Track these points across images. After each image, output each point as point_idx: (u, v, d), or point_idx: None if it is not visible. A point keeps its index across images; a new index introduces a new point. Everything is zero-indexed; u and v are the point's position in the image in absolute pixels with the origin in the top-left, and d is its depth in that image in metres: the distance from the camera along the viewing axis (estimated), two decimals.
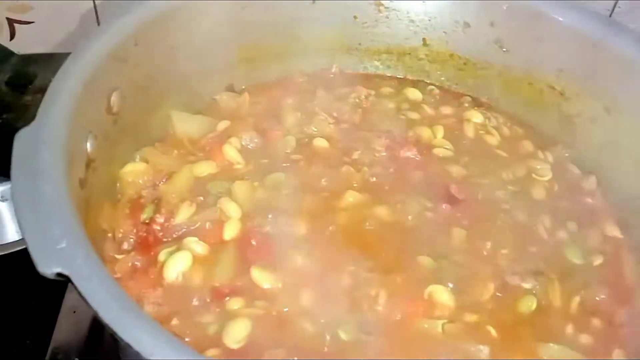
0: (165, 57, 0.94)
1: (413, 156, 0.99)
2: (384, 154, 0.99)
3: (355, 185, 0.92)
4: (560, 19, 1.00)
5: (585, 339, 0.80)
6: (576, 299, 0.83)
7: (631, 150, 0.94)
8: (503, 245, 0.87)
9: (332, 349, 0.72)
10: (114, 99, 0.84)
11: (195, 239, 0.81)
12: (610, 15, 1.19)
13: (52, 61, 0.97)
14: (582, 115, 1.02)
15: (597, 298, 0.84)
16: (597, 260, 0.88)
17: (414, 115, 1.08)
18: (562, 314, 0.82)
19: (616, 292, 0.85)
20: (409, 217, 0.89)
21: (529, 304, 0.81)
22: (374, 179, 0.95)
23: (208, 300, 0.75)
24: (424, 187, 0.94)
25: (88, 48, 0.79)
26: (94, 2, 1.08)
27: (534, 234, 0.90)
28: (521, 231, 0.90)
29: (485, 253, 0.86)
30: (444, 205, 0.91)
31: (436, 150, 1.00)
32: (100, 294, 0.53)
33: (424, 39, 1.15)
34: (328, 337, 0.73)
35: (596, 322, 0.82)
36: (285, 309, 0.75)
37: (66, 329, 0.92)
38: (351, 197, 0.90)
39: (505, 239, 0.88)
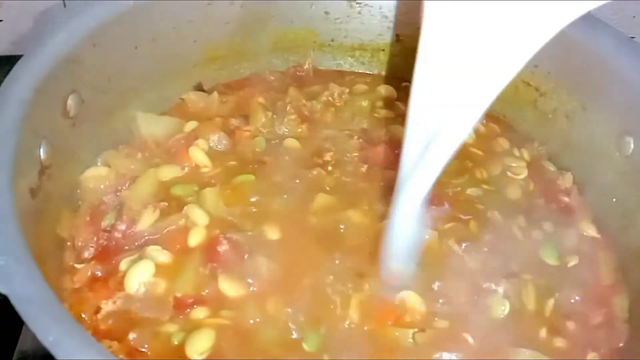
0: (127, 57, 0.91)
1: (386, 156, 0.96)
2: (356, 154, 0.97)
3: (327, 188, 0.90)
4: None
5: (559, 342, 0.79)
6: (550, 302, 0.81)
7: (606, 148, 0.92)
8: (476, 246, 0.85)
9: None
10: (70, 102, 0.81)
11: (159, 247, 0.78)
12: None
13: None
14: (557, 111, 1.00)
15: (571, 300, 0.82)
16: (573, 262, 0.87)
17: (388, 114, 1.05)
18: (536, 318, 0.80)
19: (591, 293, 0.84)
20: (382, 220, 0.86)
21: (501, 308, 0.79)
22: (347, 179, 0.93)
23: (171, 310, 0.73)
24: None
25: (40, 50, 0.76)
26: (64, 2, 1.04)
27: (508, 235, 0.89)
28: (495, 232, 0.88)
29: (458, 255, 0.84)
30: None
31: None
32: (40, 316, 0.50)
33: (397, 35, 1.12)
34: (294, 348, 0.71)
35: (570, 324, 0.80)
36: (251, 321, 0.73)
37: (31, 339, 0.89)
38: (322, 200, 0.88)
39: (479, 241, 0.86)
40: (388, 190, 0.88)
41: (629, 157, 0.88)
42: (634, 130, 0.88)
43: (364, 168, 0.95)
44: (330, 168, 0.93)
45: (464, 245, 0.85)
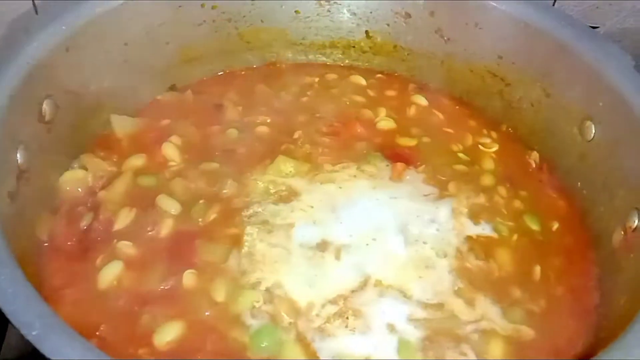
0: (100, 61, 0.93)
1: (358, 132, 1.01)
2: (325, 129, 1.01)
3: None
4: (496, 5, 1.00)
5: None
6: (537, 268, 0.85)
7: (570, 132, 0.95)
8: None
9: (258, 356, 0.73)
10: (45, 107, 0.83)
11: (130, 243, 0.81)
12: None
13: None
14: (523, 100, 1.03)
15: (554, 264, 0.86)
16: (554, 226, 0.91)
17: (358, 99, 1.09)
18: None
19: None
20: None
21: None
22: (318, 150, 0.97)
23: (141, 303, 0.75)
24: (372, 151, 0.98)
25: (13, 57, 0.78)
26: (34, 2, 1.04)
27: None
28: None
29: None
30: (397, 164, 0.95)
31: (381, 124, 1.03)
32: (23, 313, 0.52)
33: (367, 32, 1.15)
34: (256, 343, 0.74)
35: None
36: (207, 312, 0.76)
37: (15, 343, 0.91)
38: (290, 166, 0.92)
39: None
40: (361, 157, 0.96)
41: (590, 141, 0.91)
42: (595, 115, 0.91)
43: (334, 142, 0.99)
44: (299, 143, 0.97)
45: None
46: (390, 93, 1.11)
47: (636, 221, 0.79)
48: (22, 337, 0.92)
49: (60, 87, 0.86)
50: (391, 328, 0.76)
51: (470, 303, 0.79)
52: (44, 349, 0.50)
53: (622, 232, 0.81)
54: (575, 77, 0.94)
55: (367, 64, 1.18)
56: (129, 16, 0.94)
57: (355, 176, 0.93)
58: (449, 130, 1.04)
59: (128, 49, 0.97)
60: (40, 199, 0.83)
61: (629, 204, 0.81)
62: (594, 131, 0.91)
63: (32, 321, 0.53)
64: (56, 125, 0.85)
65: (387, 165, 0.96)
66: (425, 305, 0.78)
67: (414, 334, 0.76)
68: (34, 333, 0.51)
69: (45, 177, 0.84)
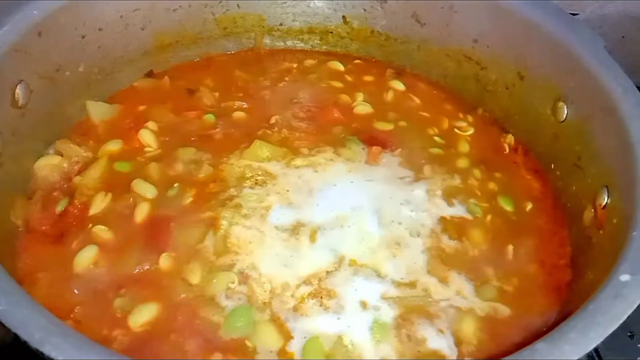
0: (74, 47, 0.93)
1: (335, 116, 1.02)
2: (302, 114, 1.01)
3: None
4: None
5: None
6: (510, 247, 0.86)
7: (543, 113, 0.96)
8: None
9: (232, 336, 0.73)
10: (18, 92, 0.82)
11: (105, 228, 0.81)
12: None
13: None
14: (498, 83, 1.04)
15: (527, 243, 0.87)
16: (528, 206, 0.93)
17: (336, 84, 1.09)
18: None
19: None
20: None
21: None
22: (295, 134, 0.98)
23: (116, 286, 0.76)
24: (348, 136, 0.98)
25: None
26: None
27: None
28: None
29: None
30: (373, 147, 0.95)
31: (358, 109, 1.03)
32: None
33: (344, 17, 1.15)
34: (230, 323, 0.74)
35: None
36: (182, 295, 0.76)
37: None
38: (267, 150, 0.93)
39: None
40: (338, 141, 0.97)
41: (563, 122, 0.92)
42: (567, 96, 0.92)
43: (311, 127, 0.99)
44: (276, 128, 0.98)
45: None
46: (368, 78, 1.12)
47: (606, 198, 0.80)
48: (2, 326, 0.93)
49: (34, 72, 0.85)
50: (364, 306, 0.77)
51: (443, 281, 0.80)
52: (9, 323, 0.50)
53: (593, 210, 0.82)
54: (548, 59, 0.95)
55: (345, 49, 1.18)
56: (103, 1, 0.94)
57: (331, 160, 0.94)
58: (426, 114, 1.05)
59: (103, 34, 0.96)
60: (14, 183, 0.83)
61: (599, 182, 0.82)
62: (566, 112, 0.92)
63: None
64: (30, 110, 0.85)
65: (364, 149, 0.96)
66: (399, 284, 0.79)
67: (387, 312, 0.76)
68: (1, 308, 0.51)
69: (20, 162, 0.84)
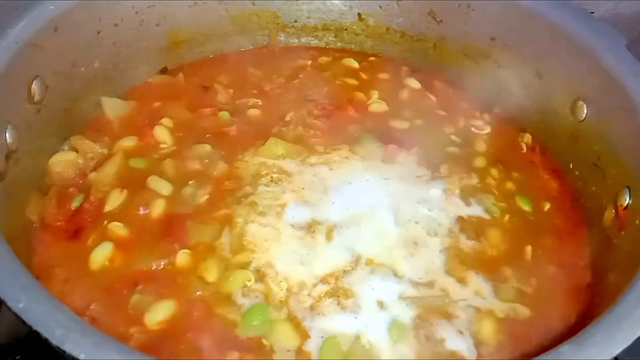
0: (90, 43, 0.92)
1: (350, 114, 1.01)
2: (317, 112, 1.01)
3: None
4: None
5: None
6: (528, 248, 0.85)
7: (562, 112, 0.95)
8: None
9: (248, 335, 0.73)
10: (34, 87, 0.82)
11: (121, 224, 0.80)
12: None
13: None
14: (515, 81, 1.03)
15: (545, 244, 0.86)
16: (546, 206, 0.91)
17: (351, 81, 1.09)
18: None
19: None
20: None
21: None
22: (310, 132, 0.97)
23: (132, 283, 0.75)
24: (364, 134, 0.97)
25: (1, 36, 0.77)
26: None
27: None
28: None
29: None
30: (389, 146, 0.94)
31: (373, 107, 1.03)
32: (10, 287, 0.52)
33: (359, 14, 1.14)
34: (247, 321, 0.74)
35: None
36: (198, 292, 0.76)
37: (7, 329, 0.90)
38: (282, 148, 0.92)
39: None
40: (353, 139, 0.96)
41: (582, 121, 0.91)
42: (587, 95, 0.91)
43: (326, 125, 0.99)
44: (291, 126, 0.97)
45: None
46: (383, 76, 1.11)
47: (627, 199, 0.79)
48: (15, 322, 0.93)
49: (49, 67, 0.85)
50: (382, 306, 0.76)
51: (461, 281, 0.80)
52: (30, 320, 0.50)
53: (614, 211, 0.81)
54: (567, 58, 0.94)
55: (359, 46, 1.18)
56: None
57: (347, 158, 0.93)
58: (442, 112, 1.04)
59: (118, 30, 0.96)
60: (30, 179, 0.82)
61: (620, 182, 0.81)
62: (585, 111, 0.91)
63: (18, 294, 0.53)
64: (46, 106, 0.85)
65: (380, 147, 0.95)
66: (416, 284, 0.78)
67: (405, 312, 0.76)
68: (20, 305, 0.51)
69: (35, 157, 0.84)
